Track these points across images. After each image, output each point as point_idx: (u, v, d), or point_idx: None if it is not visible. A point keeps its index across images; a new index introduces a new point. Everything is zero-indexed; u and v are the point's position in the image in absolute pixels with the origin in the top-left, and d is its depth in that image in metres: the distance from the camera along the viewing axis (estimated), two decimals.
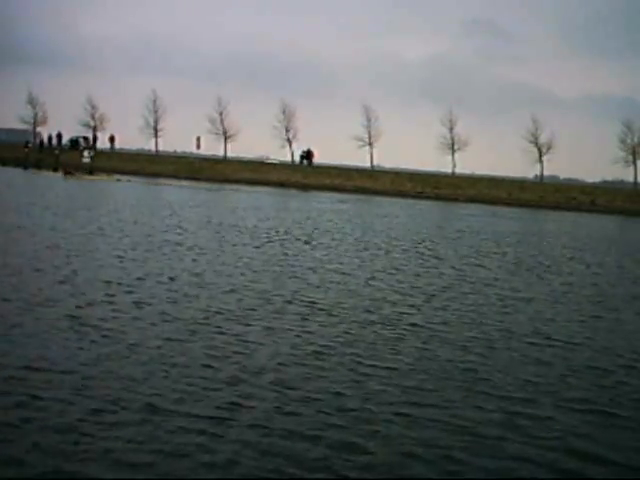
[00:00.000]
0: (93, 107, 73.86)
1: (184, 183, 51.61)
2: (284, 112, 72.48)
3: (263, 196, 43.78)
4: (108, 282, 11.42)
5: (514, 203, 52.20)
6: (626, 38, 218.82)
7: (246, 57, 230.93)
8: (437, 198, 53.50)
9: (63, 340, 8.02)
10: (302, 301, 11.09)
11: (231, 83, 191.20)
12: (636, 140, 65.97)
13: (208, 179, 56.96)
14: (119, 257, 14.17)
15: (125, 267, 13.07)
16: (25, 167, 54.09)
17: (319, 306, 10.83)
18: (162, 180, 53.01)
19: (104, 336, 8.25)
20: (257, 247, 17.53)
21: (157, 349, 7.92)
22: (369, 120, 71.24)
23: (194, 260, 14.61)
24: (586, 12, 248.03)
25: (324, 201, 41.91)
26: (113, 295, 10.54)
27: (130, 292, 10.85)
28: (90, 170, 54.49)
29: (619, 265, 20.08)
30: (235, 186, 52.17)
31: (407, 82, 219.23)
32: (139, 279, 11.96)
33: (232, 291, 11.52)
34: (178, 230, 19.93)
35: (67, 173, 49.43)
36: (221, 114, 73.28)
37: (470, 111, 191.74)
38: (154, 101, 74.25)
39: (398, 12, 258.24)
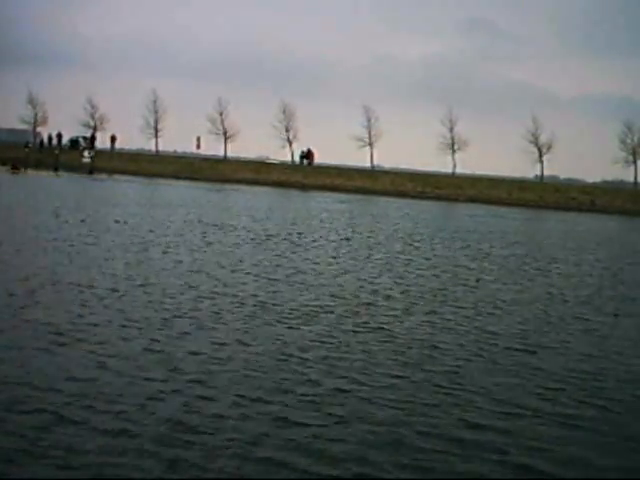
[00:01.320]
0: (93, 107, 73.87)
1: (181, 183, 51.55)
2: (284, 112, 72.43)
3: (262, 196, 43.73)
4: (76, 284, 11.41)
5: (514, 203, 52.12)
6: (625, 37, 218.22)
7: (246, 57, 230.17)
8: (437, 198, 53.43)
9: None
10: (278, 303, 11.01)
11: (231, 83, 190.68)
12: (636, 140, 65.84)
13: (208, 179, 56.93)
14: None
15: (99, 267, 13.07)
16: (25, 167, 53.99)
17: (294, 308, 10.72)
18: (160, 180, 52.96)
19: (67, 338, 8.22)
20: (244, 247, 17.46)
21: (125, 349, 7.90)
22: (369, 120, 71.15)
23: (170, 259, 14.58)
24: (585, 11, 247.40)
25: (323, 201, 41.85)
26: (82, 292, 10.55)
27: (102, 291, 10.81)
28: (90, 170, 54.56)
29: (613, 266, 19.95)
30: (235, 186, 52.13)
31: (407, 82, 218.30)
32: (114, 281, 11.95)
33: (206, 291, 11.48)
34: (164, 230, 19.94)
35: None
36: (221, 114, 73.25)
37: (470, 111, 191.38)
38: (154, 101, 74.21)
39: (397, 12, 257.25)
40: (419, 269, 16.06)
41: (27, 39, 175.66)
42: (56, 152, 58.95)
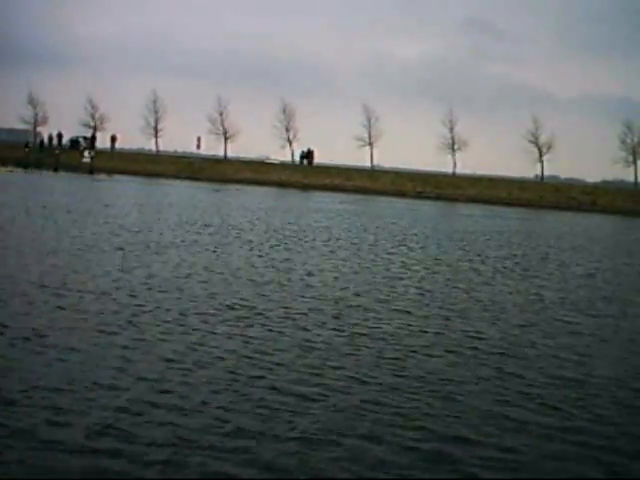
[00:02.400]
0: (93, 107, 73.90)
1: (182, 183, 51.47)
2: (284, 112, 72.42)
3: (260, 196, 43.65)
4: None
5: (514, 203, 52.05)
6: (625, 37, 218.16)
7: (246, 57, 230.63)
8: (437, 198, 53.40)
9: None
10: (243, 305, 10.93)
11: (231, 83, 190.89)
12: (636, 140, 65.76)
13: (208, 179, 56.90)
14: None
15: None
16: (25, 167, 54.06)
17: (266, 310, 10.64)
18: (160, 180, 52.90)
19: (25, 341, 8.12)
20: (227, 248, 17.38)
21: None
22: (369, 120, 71.09)
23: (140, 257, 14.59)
24: (585, 11, 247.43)
25: (322, 201, 41.80)
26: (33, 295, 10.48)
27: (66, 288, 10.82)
28: (90, 170, 54.57)
29: (608, 267, 19.87)
30: (235, 186, 52.08)
31: (407, 82, 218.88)
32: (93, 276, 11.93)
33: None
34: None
35: None
36: (221, 114, 73.22)
37: (470, 111, 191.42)
38: (154, 101, 74.22)
39: (397, 12, 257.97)
40: (411, 269, 15.99)
41: (27, 39, 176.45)
42: (56, 152, 59.03)
